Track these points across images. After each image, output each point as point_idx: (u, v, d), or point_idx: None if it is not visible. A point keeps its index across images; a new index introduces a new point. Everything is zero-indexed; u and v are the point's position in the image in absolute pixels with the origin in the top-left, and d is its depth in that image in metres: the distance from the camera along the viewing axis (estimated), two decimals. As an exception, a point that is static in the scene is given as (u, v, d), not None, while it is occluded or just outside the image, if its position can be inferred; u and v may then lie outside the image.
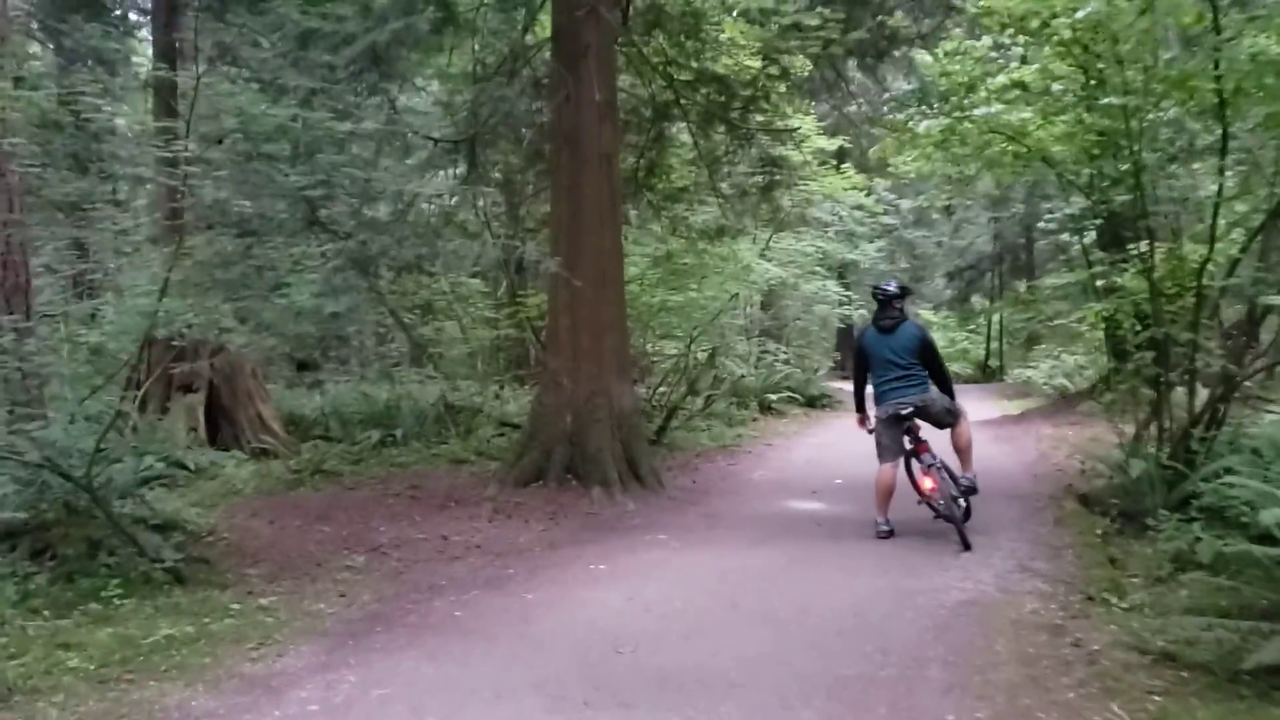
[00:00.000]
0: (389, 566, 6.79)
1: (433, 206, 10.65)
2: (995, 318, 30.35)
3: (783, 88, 11.92)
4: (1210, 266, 8.22)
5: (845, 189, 17.34)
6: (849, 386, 22.65)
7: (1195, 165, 9.36)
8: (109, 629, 5.06)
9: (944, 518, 7.26)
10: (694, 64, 11.18)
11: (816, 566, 6.56)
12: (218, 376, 11.56)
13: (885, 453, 7.42)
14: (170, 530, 6.85)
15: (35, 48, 16.76)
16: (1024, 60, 10.58)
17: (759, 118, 12.05)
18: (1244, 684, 4.16)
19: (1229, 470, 7.41)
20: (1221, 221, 8.24)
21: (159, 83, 11.34)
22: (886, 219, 22.30)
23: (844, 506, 8.73)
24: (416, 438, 12.15)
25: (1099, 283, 12.19)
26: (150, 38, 14.28)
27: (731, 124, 11.77)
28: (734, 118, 11.69)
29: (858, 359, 7.78)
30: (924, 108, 11.13)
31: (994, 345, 31.27)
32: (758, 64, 11.60)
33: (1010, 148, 10.38)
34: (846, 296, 21.81)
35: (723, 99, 11.40)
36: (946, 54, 10.74)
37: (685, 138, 12.76)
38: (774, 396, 17.79)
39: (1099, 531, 7.43)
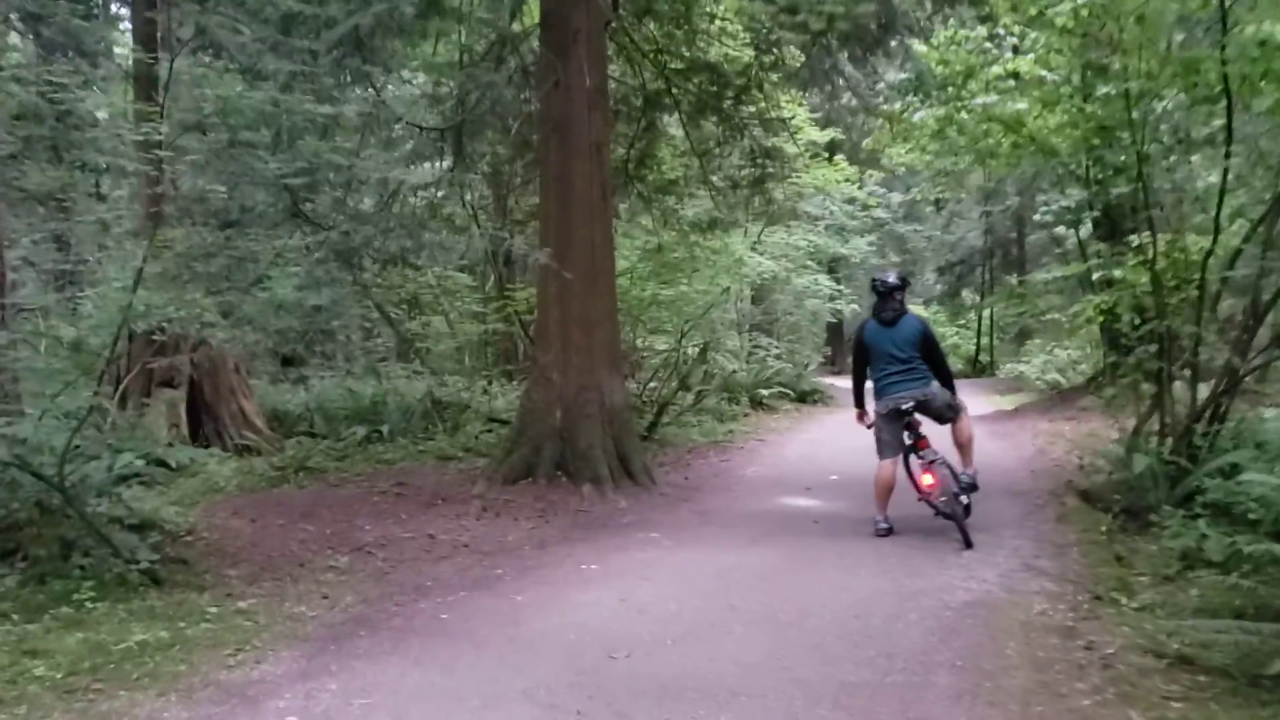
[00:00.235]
0: (374, 567, 6.58)
1: (418, 198, 10.41)
2: (985, 312, 30.26)
3: (775, 77, 11.72)
4: (1212, 259, 8.08)
5: (838, 181, 17.14)
6: (840, 381, 22.46)
7: (1194, 157, 9.21)
8: (79, 634, 4.83)
9: (944, 515, 7.07)
10: (685, 52, 10.97)
11: (815, 565, 6.37)
12: (199, 372, 11.32)
13: (885, 448, 7.22)
14: (147, 530, 6.61)
15: (14, 38, 16.44)
16: (1016, 51, 10.44)
17: (751, 108, 11.86)
18: (1265, 689, 3.99)
19: (1234, 466, 7.27)
20: (1225, 211, 8.09)
21: (139, 71, 11.09)
22: (878, 213, 22.11)
23: (840, 503, 8.55)
24: (403, 434, 11.93)
25: (1096, 276, 12.08)
26: (131, 27, 14.00)
27: (723, 114, 11.57)
28: (726, 107, 11.49)
29: (857, 352, 7.57)
30: (919, 97, 10.97)
31: (984, 340, 31.15)
32: (750, 53, 11.41)
33: (1008, 138, 10.22)
34: (837, 291, 21.64)
35: (714, 88, 11.20)
36: (943, 42, 10.59)
37: (676, 129, 12.57)
38: (765, 392, 17.61)
39: (1103, 528, 7.26)
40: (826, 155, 16.11)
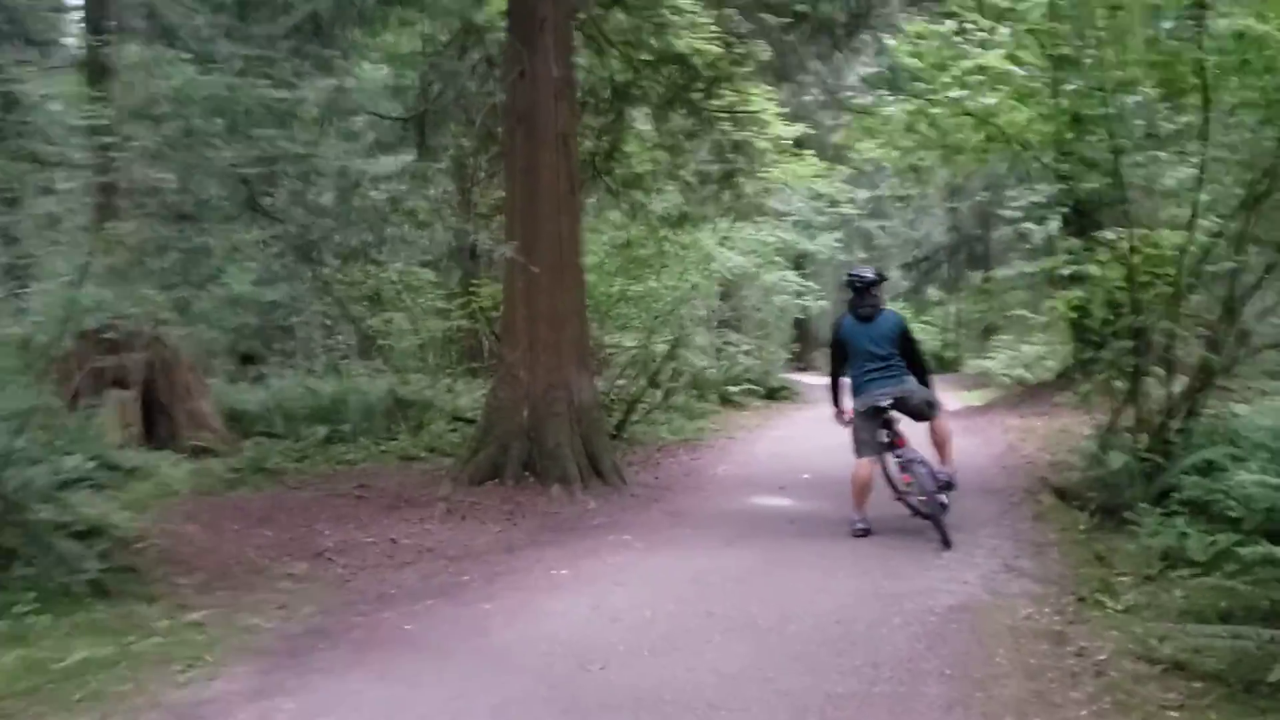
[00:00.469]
0: (334, 574, 6.32)
1: (380, 191, 10.11)
2: (951, 308, 30.33)
3: (745, 70, 11.53)
4: (1186, 255, 8.00)
5: (807, 176, 16.99)
6: (808, 378, 22.36)
7: (1161, 154, 9.11)
8: (17, 651, 4.53)
9: (922, 515, 6.93)
10: (654, 43, 10.74)
11: (792, 568, 6.20)
12: (153, 370, 10.96)
13: (863, 447, 7.06)
14: (95, 537, 6.28)
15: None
16: (983, 45, 10.32)
17: (721, 101, 11.66)
18: (1262, 695, 3.85)
19: (1210, 463, 7.18)
20: (1203, 203, 8.01)
21: (90, 59, 10.72)
22: (845, 208, 22.01)
23: (814, 503, 8.38)
24: (365, 433, 11.64)
25: (1065, 271, 12.01)
26: (83, 14, 13.59)
27: (693, 107, 11.35)
28: (696, 100, 11.28)
29: (834, 349, 7.40)
30: (891, 91, 10.82)
31: (950, 336, 31.21)
32: (718, 47, 11.21)
33: (981, 132, 10.10)
34: (805, 287, 21.53)
35: (684, 80, 10.99)
36: (914, 35, 10.44)
37: (645, 122, 12.34)
38: (735, 389, 17.48)
39: (1081, 527, 7.17)
40: (795, 150, 15.92)
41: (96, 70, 10.35)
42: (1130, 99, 8.16)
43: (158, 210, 7.35)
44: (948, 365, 29.21)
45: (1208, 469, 7.09)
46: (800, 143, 15.90)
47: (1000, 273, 24.95)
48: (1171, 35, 7.24)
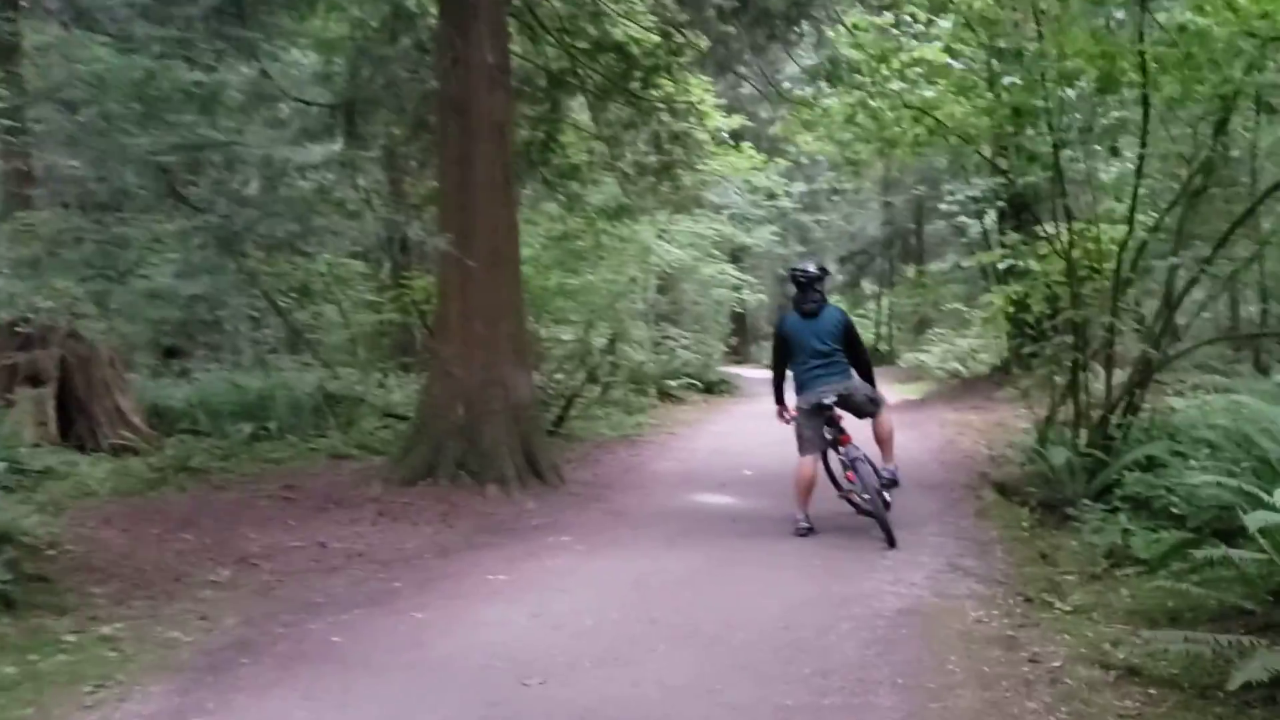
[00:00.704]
0: (258, 580, 6.01)
1: (307, 180, 9.76)
2: (885, 302, 30.58)
3: (682, 60, 11.36)
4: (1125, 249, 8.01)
5: (745, 169, 16.90)
6: (746, 371, 22.32)
7: (1099, 148, 9.13)
8: (-93, 673, 4.21)
9: (866, 513, 6.83)
10: (591, 30, 10.52)
11: (736, 568, 6.05)
12: (69, 366, 10.47)
13: (806, 445, 6.93)
14: (2, 544, 5.93)
15: None
16: (916, 39, 10.28)
17: (659, 91, 11.48)
18: (1218, 701, 3.78)
19: (1150, 459, 7.19)
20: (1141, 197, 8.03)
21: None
22: (782, 202, 22.01)
23: (756, 500, 8.25)
24: (293, 431, 11.24)
25: (1002, 265, 12.05)
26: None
27: (631, 96, 11.15)
28: (633, 90, 11.08)
29: (777, 345, 7.26)
30: (831, 83, 10.72)
31: (883, 330, 31.47)
32: (656, 37, 11.03)
33: (922, 124, 10.05)
34: (742, 280, 21.49)
35: (622, 69, 10.78)
36: (855, 26, 10.36)
37: (582, 113, 12.12)
38: (674, 383, 17.35)
39: (1024, 524, 7.13)
40: (733, 143, 15.82)
41: (3, 51, 9.83)
42: (1071, 92, 8.15)
43: (72, 199, 6.99)
44: (882, 359, 29.43)
45: (1149, 465, 7.11)
46: (738, 135, 15.81)
47: (934, 267, 25.23)
48: (1114, 28, 7.20)
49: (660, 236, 15.53)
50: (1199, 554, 4.01)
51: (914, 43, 10.25)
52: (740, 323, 29.39)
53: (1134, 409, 8.17)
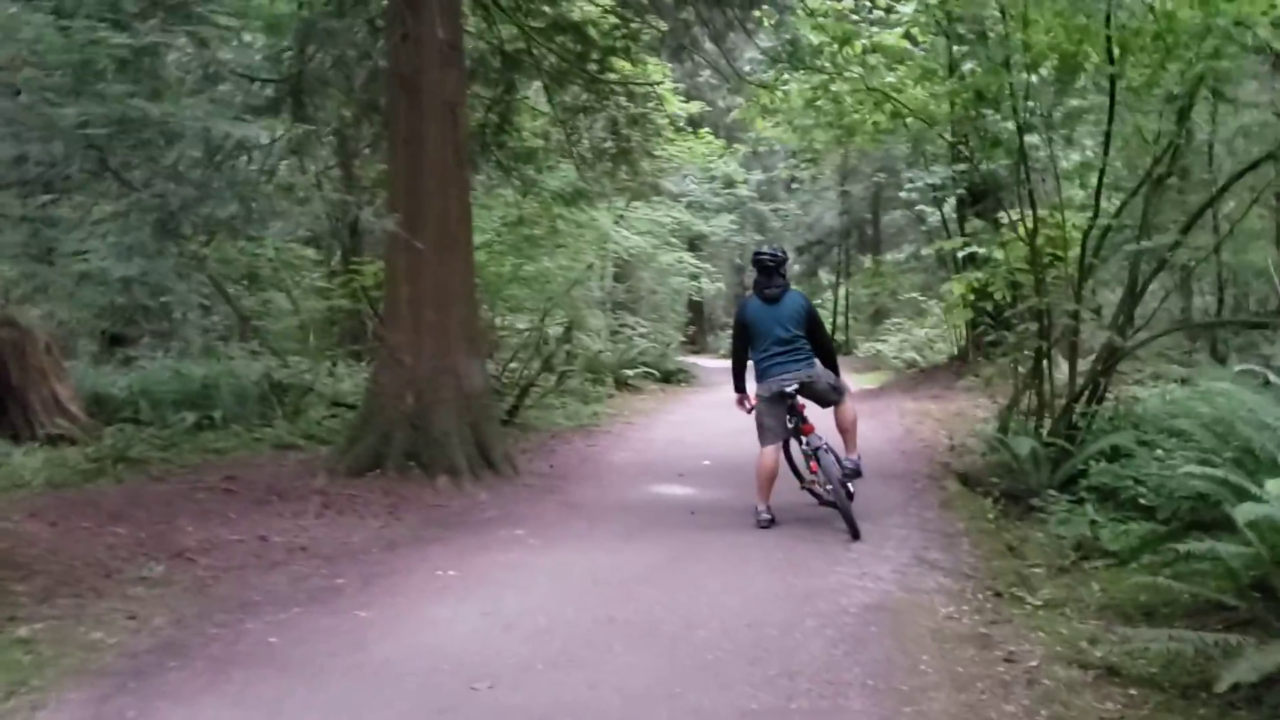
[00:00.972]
0: (193, 577, 5.68)
1: (250, 158, 9.38)
2: (841, 291, 30.56)
3: (640, 42, 11.10)
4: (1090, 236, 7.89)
5: (705, 154, 16.69)
6: (703, 360, 22.16)
7: (1063, 131, 9.03)
8: None
9: (829, 504, 6.64)
10: (547, 9, 10.22)
11: (696, 563, 5.83)
12: (3, 352, 10.02)
13: (767, 434, 6.72)
14: (-80, 540, 5.59)
15: None
16: (876, 25, 10.15)
17: (617, 74, 11.22)
18: (1200, 701, 3.63)
19: (1115, 448, 7.08)
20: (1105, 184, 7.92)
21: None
22: (743, 190, 21.86)
23: (716, 491, 8.05)
24: (237, 420, 10.85)
25: (962, 253, 11.95)
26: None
27: (589, 78, 10.87)
28: (590, 72, 10.80)
29: (738, 332, 7.03)
30: (792, 66, 10.54)
31: (840, 319, 31.45)
32: (614, 19, 10.76)
33: (885, 109, 9.90)
34: (700, 269, 21.31)
35: (579, 49, 10.48)
36: (817, 9, 10.19)
37: (538, 95, 11.82)
38: (630, 372, 17.13)
39: (989, 515, 6.99)
40: (691, 129, 15.61)
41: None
42: (1034, 77, 8.02)
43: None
44: (839, 349, 29.43)
45: (1114, 455, 7.00)
46: (696, 121, 15.61)
47: (891, 257, 25.24)
48: (1080, 9, 7.06)
49: (618, 223, 15.27)
50: (1182, 547, 3.84)
51: (874, 29, 10.11)
52: (698, 312, 29.27)
53: (1098, 398, 8.08)
